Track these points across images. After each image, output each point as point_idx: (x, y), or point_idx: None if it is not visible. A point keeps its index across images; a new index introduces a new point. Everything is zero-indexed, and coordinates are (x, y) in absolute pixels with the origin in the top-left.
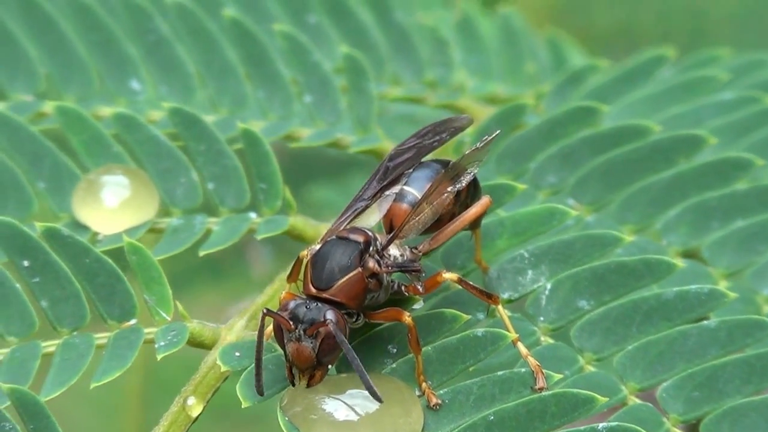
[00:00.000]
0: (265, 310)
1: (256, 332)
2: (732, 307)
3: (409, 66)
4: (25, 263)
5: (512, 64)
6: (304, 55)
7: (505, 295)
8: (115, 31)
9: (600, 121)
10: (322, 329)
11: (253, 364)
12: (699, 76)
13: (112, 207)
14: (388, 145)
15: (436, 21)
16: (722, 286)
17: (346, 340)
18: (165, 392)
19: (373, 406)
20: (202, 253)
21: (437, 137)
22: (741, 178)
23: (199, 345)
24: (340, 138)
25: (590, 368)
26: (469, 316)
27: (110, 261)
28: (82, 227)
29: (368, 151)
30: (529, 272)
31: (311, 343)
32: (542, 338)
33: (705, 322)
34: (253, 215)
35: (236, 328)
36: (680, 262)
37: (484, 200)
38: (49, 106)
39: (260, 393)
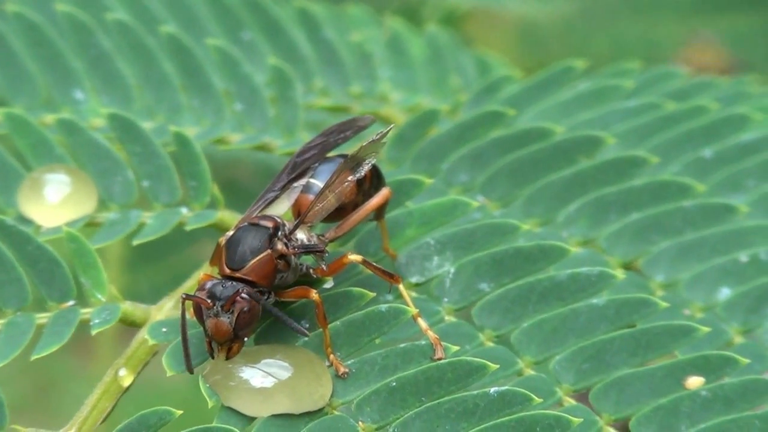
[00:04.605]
0: (183, 296)
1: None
2: (626, 291)
3: (337, 78)
4: None
5: (438, 78)
6: (235, 67)
7: (413, 279)
8: (60, 46)
9: (511, 125)
10: (237, 304)
11: (179, 339)
12: (606, 85)
13: (54, 202)
14: None
15: (367, 39)
16: (618, 273)
17: (265, 302)
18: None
19: (286, 373)
20: (135, 243)
21: (341, 135)
22: (637, 175)
23: (132, 323)
24: (268, 142)
25: (490, 344)
26: (374, 294)
27: (50, 248)
28: (26, 221)
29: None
30: (435, 258)
31: (228, 318)
32: (446, 317)
33: (594, 300)
34: (184, 210)
35: (165, 309)
36: (575, 249)
37: (384, 191)
38: None
39: (190, 371)
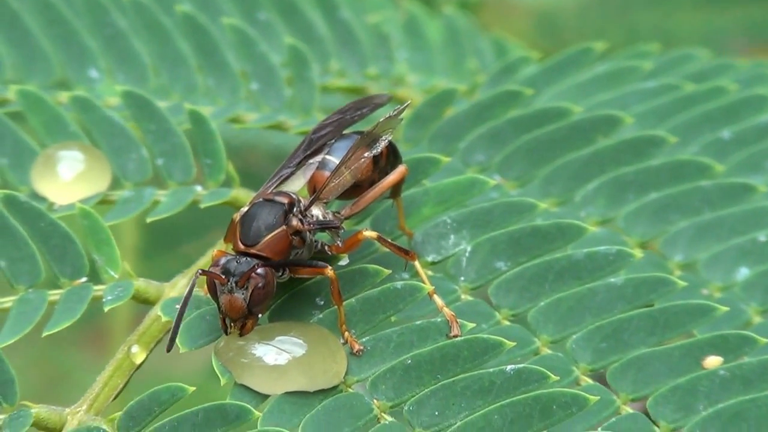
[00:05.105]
0: (199, 271)
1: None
2: (644, 271)
3: (353, 59)
4: None
5: (455, 60)
6: (251, 46)
7: (429, 258)
8: (75, 24)
9: (528, 105)
10: (252, 280)
11: (191, 316)
12: (624, 67)
13: (68, 180)
14: None
15: (384, 20)
16: (636, 252)
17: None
18: None
19: (301, 350)
20: (149, 220)
21: (358, 112)
22: (655, 155)
23: (145, 301)
24: (283, 121)
25: (506, 323)
26: (390, 271)
27: (63, 225)
28: (40, 198)
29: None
30: (452, 236)
31: (242, 294)
32: (462, 296)
33: (612, 279)
34: (198, 188)
35: (178, 285)
36: (593, 228)
37: (401, 168)
38: (11, 91)
39: (168, 349)
